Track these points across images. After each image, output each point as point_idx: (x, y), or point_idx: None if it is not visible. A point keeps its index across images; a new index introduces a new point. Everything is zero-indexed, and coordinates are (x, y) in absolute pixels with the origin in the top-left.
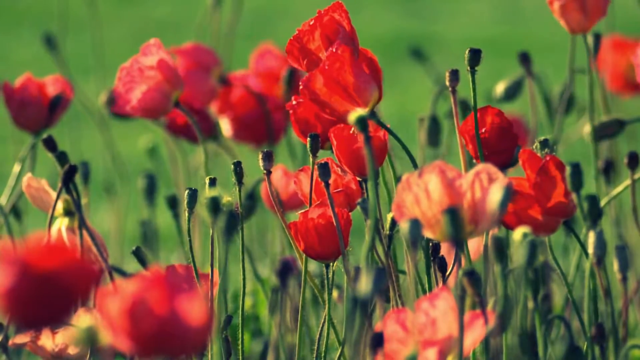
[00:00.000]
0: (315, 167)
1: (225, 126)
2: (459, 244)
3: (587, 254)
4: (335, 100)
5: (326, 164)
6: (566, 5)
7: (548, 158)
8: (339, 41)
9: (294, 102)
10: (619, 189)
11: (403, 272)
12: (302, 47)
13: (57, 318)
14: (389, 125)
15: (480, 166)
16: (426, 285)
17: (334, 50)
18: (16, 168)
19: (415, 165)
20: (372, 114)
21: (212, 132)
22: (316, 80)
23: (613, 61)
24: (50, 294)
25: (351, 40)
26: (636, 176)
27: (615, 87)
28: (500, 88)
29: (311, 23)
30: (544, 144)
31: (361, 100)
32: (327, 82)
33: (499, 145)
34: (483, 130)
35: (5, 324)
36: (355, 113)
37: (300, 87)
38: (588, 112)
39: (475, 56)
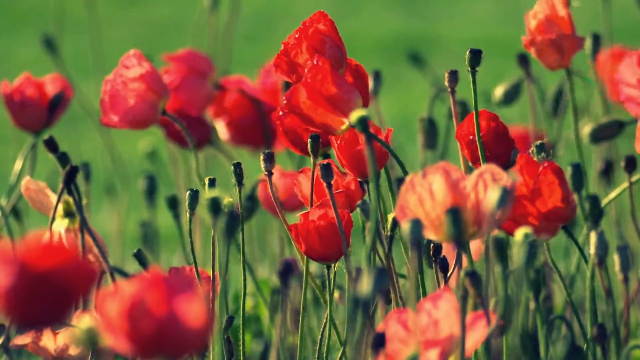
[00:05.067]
0: (316, 168)
1: (222, 130)
2: (460, 244)
3: (585, 259)
4: (320, 112)
5: (328, 164)
6: (542, 50)
7: (546, 164)
8: (318, 54)
9: (281, 113)
10: (617, 191)
11: (403, 276)
12: (290, 61)
13: (55, 318)
14: (391, 129)
15: (484, 167)
16: (426, 287)
17: (314, 62)
18: (16, 168)
19: (404, 172)
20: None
21: (209, 137)
22: (299, 94)
23: (612, 72)
24: (49, 293)
25: (339, 49)
26: (634, 179)
27: (615, 98)
28: (499, 92)
29: (297, 36)
30: (540, 148)
31: (346, 110)
32: (310, 95)
33: (496, 149)
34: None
35: (6, 325)
36: (357, 113)
37: (284, 102)
38: (573, 114)
39: (475, 57)
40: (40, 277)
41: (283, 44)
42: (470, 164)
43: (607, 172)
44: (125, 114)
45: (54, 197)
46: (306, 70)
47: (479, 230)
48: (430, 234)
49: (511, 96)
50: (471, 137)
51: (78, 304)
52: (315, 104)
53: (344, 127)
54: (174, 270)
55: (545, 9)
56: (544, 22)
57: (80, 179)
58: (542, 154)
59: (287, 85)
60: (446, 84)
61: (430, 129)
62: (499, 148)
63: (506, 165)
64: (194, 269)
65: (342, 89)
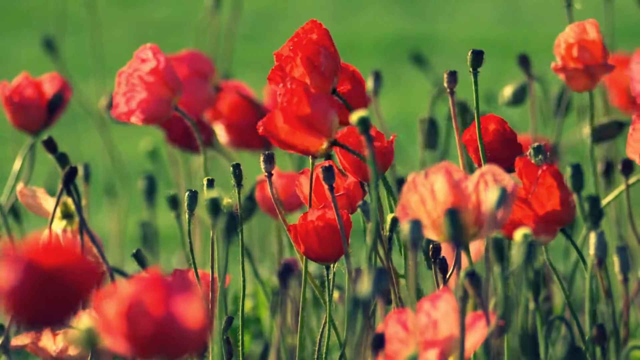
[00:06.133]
0: (316, 169)
1: (220, 133)
2: (459, 245)
3: (584, 261)
4: (299, 135)
5: (330, 167)
6: (573, 77)
7: (545, 167)
8: (291, 76)
9: None
10: (615, 193)
11: (402, 277)
12: (284, 75)
13: (61, 317)
14: (394, 135)
15: (486, 167)
16: (425, 288)
17: (288, 85)
18: (15, 168)
19: (376, 182)
20: (336, 142)
21: (210, 139)
22: (276, 119)
23: (614, 77)
24: (54, 293)
25: (333, 59)
26: (631, 181)
27: (617, 103)
28: (507, 92)
29: (290, 47)
30: (537, 150)
31: (325, 129)
32: (287, 119)
33: (503, 154)
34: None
35: (6, 325)
36: (357, 114)
37: (260, 129)
38: (590, 115)
39: (477, 57)
40: (47, 276)
41: (275, 55)
42: (476, 166)
43: (608, 173)
44: (140, 110)
45: (50, 201)
46: (280, 94)
47: (480, 231)
48: (431, 234)
49: (519, 97)
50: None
51: (84, 303)
52: (292, 127)
53: (323, 147)
54: (178, 272)
55: (576, 32)
56: (574, 46)
57: (79, 179)
58: (540, 157)
59: None
60: (445, 84)
61: (431, 129)
62: (506, 152)
63: (513, 169)
64: (193, 270)
65: (318, 110)
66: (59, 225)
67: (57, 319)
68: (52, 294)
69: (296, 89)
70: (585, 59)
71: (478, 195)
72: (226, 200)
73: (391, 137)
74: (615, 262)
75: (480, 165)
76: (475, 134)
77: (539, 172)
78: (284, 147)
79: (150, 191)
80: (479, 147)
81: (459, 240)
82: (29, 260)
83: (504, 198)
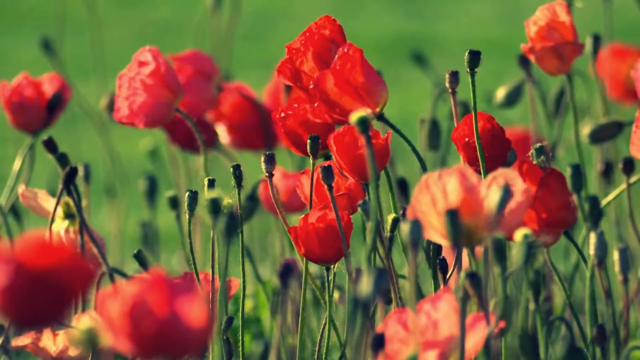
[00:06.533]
0: (317, 169)
1: (222, 134)
2: (459, 245)
3: (585, 262)
4: (346, 100)
5: (329, 167)
6: (542, 57)
7: (548, 171)
8: (349, 42)
9: (282, 115)
10: (616, 192)
11: (403, 277)
12: (294, 68)
13: (52, 317)
14: (390, 132)
15: (499, 171)
16: (426, 288)
17: (345, 50)
18: (15, 168)
19: (424, 167)
20: (381, 116)
21: (213, 140)
22: (327, 81)
23: (612, 68)
24: (45, 293)
25: None
26: (632, 180)
27: (615, 95)
28: (500, 94)
29: (302, 42)
30: (539, 151)
31: (372, 101)
32: (337, 82)
33: (492, 151)
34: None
35: (6, 326)
36: (357, 114)
37: (311, 86)
38: (573, 116)
39: (474, 58)
40: (37, 276)
41: (287, 47)
42: (465, 163)
43: (607, 173)
44: (140, 112)
45: (51, 202)
46: (336, 56)
47: (489, 235)
48: (439, 237)
49: (513, 98)
50: (467, 139)
51: (76, 303)
52: (341, 91)
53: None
54: (188, 275)
55: (546, 15)
56: (544, 28)
57: (80, 179)
58: (542, 157)
59: (289, 88)
60: (447, 85)
61: (434, 130)
62: (495, 150)
63: (502, 166)
64: (194, 270)
65: (369, 80)
66: (61, 225)
67: (49, 319)
68: (42, 294)
69: (353, 55)
70: (555, 40)
71: (488, 198)
72: (226, 201)
73: (387, 134)
74: (615, 262)
75: (470, 164)
76: (463, 132)
77: (543, 175)
78: (329, 106)
79: (151, 191)
80: (474, 148)
81: (459, 241)
82: (18, 261)
83: (506, 199)
